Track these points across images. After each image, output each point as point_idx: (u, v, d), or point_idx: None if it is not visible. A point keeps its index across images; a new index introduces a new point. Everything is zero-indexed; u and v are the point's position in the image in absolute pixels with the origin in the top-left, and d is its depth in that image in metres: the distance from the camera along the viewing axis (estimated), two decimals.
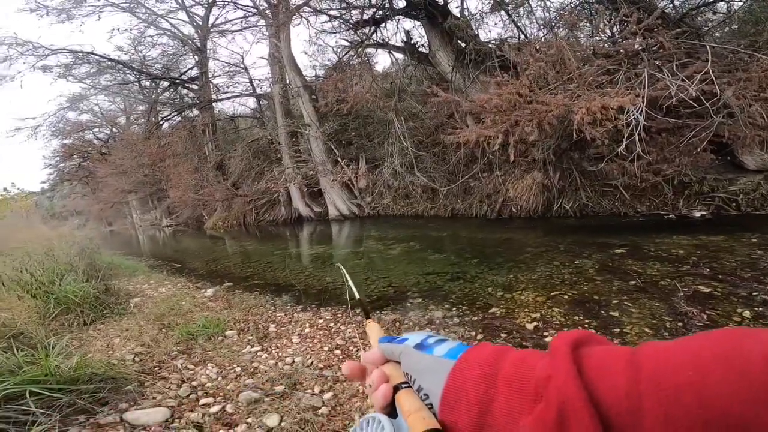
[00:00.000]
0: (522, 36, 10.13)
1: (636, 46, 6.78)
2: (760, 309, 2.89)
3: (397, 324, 3.40)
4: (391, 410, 0.43)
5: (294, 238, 11.17)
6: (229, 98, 18.85)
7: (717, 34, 7.98)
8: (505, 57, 8.92)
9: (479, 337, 3.06)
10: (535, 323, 3.15)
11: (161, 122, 19.06)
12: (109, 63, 17.66)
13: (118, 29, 18.15)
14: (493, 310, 3.56)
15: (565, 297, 3.63)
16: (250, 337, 3.26)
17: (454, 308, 3.69)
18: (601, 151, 7.21)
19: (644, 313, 3.09)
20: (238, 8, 16.61)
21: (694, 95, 5.42)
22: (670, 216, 6.79)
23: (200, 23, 17.50)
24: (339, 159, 13.07)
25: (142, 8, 16.70)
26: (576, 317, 3.18)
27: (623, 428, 0.26)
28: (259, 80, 18.70)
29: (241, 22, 17.11)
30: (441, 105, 10.42)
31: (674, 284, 3.57)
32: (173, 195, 18.53)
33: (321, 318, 3.69)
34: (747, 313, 2.85)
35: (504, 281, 4.33)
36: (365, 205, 12.60)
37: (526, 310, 3.46)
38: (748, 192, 6.50)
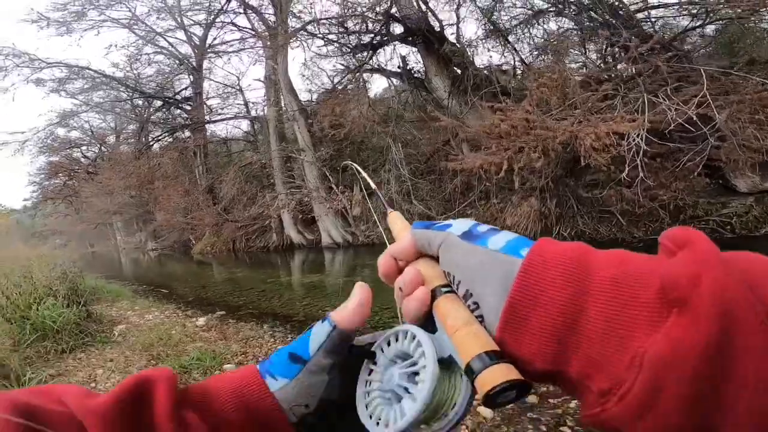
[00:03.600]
0: (517, 61, 10.45)
1: (631, 71, 6.93)
2: None
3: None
4: (425, 322, 0.32)
5: (285, 266, 10.88)
6: (222, 120, 18.77)
7: (698, 56, 8.26)
8: (503, 84, 9.12)
9: None
10: None
11: (152, 143, 18.79)
12: (104, 79, 17.53)
13: (116, 45, 17.98)
14: None
15: None
16: None
17: None
18: (597, 178, 7.26)
19: None
20: (236, 30, 16.77)
21: (694, 119, 5.48)
22: None
23: (198, 43, 17.59)
24: (334, 186, 12.94)
25: (141, 25, 16.74)
26: None
27: None
28: (254, 102, 18.54)
29: (239, 43, 17.29)
30: (438, 131, 10.51)
31: None
32: (160, 218, 18.08)
33: None
34: None
35: None
36: (359, 233, 12.39)
37: None
38: (741, 214, 6.58)
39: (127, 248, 23.81)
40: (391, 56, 12.46)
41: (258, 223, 14.94)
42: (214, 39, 17.72)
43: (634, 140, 5.42)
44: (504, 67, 10.93)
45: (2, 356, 2.70)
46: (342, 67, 12.59)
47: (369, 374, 0.35)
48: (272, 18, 14.20)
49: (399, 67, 12.11)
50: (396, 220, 0.45)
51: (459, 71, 10.64)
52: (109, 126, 22.11)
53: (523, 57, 10.57)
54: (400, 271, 0.36)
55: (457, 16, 11.12)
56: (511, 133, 5.72)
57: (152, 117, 18.87)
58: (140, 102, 19.20)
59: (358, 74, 11.95)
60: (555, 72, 6.54)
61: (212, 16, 16.53)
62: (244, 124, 19.14)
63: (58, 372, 3.00)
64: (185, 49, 17.88)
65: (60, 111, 18.69)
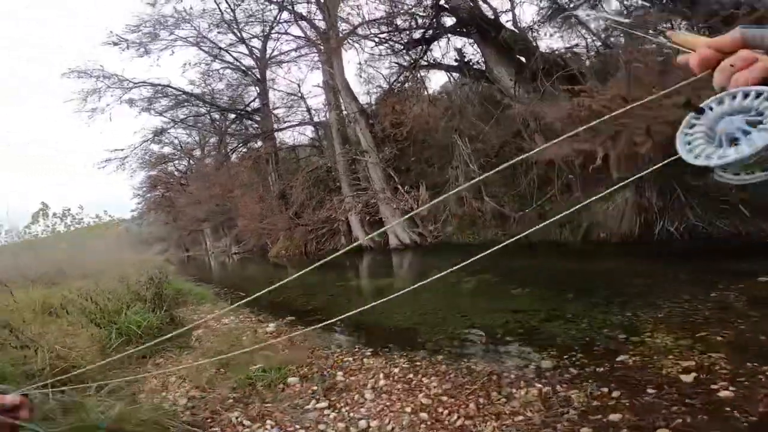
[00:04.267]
0: (590, 41, 9.34)
1: None
2: None
3: (495, 378, 2.70)
4: None
5: (354, 268, 10.83)
6: (289, 127, 19.57)
7: None
8: (577, 67, 8.14)
9: (615, 394, 2.33)
10: (693, 374, 2.44)
11: (230, 153, 20.19)
12: (184, 96, 19.18)
13: (190, 63, 19.15)
14: (622, 357, 2.80)
15: (719, 339, 2.88)
16: (315, 388, 2.75)
17: (565, 356, 2.93)
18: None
19: None
20: (291, 39, 17.46)
21: None
22: None
23: (258, 55, 18.55)
24: (399, 186, 12.69)
25: (207, 42, 17.94)
26: (749, 363, 2.43)
27: None
28: (315, 109, 19.11)
29: (295, 52, 17.90)
30: (507, 122, 9.75)
31: None
32: (240, 224, 19.34)
33: (396, 366, 3.07)
34: None
35: (621, 321, 3.50)
36: (427, 234, 11.99)
37: (671, 357, 2.71)
38: None
39: (215, 252, 25.94)
40: (446, 50, 11.93)
41: (327, 226, 15.20)
42: (273, 50, 18.60)
43: None
44: (575, 49, 9.83)
45: (86, 361, 2.80)
46: (397, 66, 12.33)
47: (690, 128, 0.38)
48: (322, 24, 14.40)
49: (456, 59, 11.51)
50: (684, 34, 0.44)
51: (523, 58, 9.77)
52: (194, 140, 24.19)
53: (599, 36, 9.41)
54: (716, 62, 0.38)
55: (511, 1, 10.25)
56: (603, 114, 4.94)
57: (228, 129, 20.26)
58: (217, 116, 20.70)
59: (414, 71, 11.60)
60: (652, 45, 5.63)
61: (268, 28, 17.31)
62: (309, 130, 19.77)
63: (136, 379, 3.07)
64: (248, 62, 18.95)
65: (152, 128, 20.66)
